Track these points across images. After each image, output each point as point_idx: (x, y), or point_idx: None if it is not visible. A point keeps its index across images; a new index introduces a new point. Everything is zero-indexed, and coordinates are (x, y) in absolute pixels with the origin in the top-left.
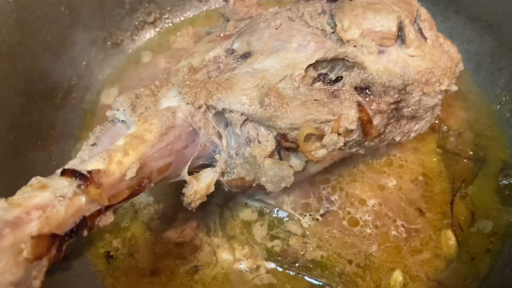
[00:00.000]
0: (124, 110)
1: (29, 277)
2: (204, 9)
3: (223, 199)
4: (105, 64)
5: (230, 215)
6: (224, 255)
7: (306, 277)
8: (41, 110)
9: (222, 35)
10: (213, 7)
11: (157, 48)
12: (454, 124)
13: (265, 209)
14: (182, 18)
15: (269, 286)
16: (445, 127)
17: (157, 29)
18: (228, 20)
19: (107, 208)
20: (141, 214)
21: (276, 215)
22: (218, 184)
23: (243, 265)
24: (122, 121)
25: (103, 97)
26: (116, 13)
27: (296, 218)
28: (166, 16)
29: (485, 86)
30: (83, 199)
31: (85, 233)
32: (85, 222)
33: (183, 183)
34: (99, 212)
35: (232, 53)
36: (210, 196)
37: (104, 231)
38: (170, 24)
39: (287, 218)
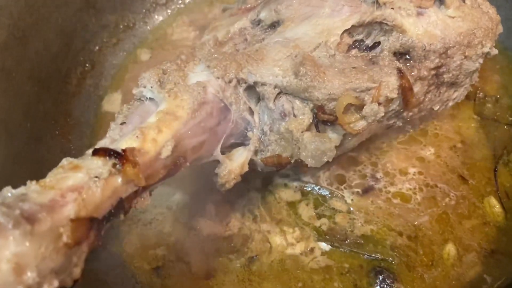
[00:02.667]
0: (152, 87)
1: (69, 263)
2: None
3: (261, 182)
4: (118, 49)
5: (273, 198)
6: (277, 240)
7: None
8: (56, 97)
9: (243, 7)
10: None
11: (155, 44)
12: (490, 90)
13: (305, 187)
14: None
15: (327, 268)
16: (481, 94)
17: (169, 11)
18: None
19: (143, 189)
20: (181, 215)
21: (318, 193)
22: (252, 165)
23: (297, 249)
24: (150, 98)
25: (105, 104)
26: None
27: (339, 195)
28: None
29: None
30: (119, 179)
31: (122, 217)
32: (122, 204)
33: (214, 169)
34: (136, 194)
35: (259, 23)
36: (247, 182)
37: (145, 246)
38: (182, 6)
39: (330, 195)
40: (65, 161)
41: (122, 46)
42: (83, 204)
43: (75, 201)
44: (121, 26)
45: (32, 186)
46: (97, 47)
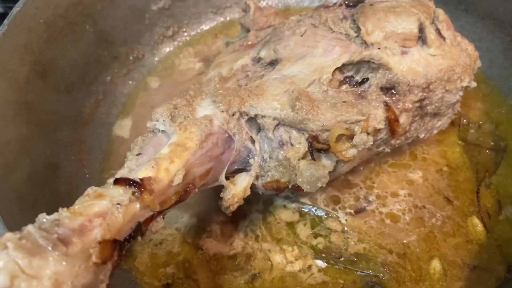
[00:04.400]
0: (164, 120)
1: (97, 280)
2: (220, 20)
3: (262, 204)
4: (128, 79)
5: (274, 219)
6: (278, 258)
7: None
8: (72, 125)
9: (244, 44)
10: (228, 18)
11: (163, 72)
12: (473, 117)
13: (302, 208)
14: (198, 31)
15: (323, 284)
16: (465, 120)
17: (176, 43)
18: (248, 30)
19: (158, 213)
20: (189, 236)
21: (315, 213)
22: (254, 189)
23: (296, 267)
24: (163, 131)
25: (116, 129)
26: (137, 28)
27: (334, 215)
28: (184, 30)
29: (500, 81)
30: (137, 205)
31: (139, 238)
32: (140, 227)
33: (219, 193)
34: (151, 218)
35: (259, 61)
36: (249, 204)
37: (155, 264)
38: (188, 38)
39: (326, 216)
40: (90, 190)
41: (132, 76)
42: (108, 228)
43: (101, 226)
44: (131, 58)
45: (63, 213)
46: (108, 78)
